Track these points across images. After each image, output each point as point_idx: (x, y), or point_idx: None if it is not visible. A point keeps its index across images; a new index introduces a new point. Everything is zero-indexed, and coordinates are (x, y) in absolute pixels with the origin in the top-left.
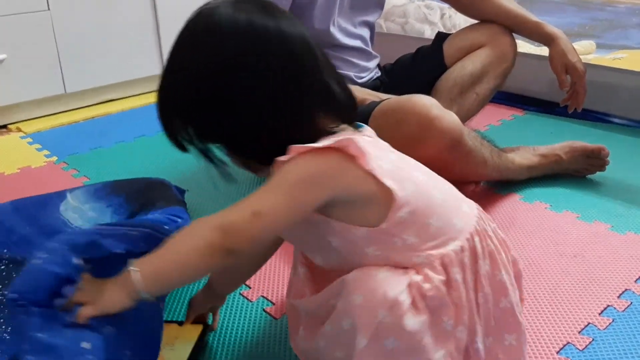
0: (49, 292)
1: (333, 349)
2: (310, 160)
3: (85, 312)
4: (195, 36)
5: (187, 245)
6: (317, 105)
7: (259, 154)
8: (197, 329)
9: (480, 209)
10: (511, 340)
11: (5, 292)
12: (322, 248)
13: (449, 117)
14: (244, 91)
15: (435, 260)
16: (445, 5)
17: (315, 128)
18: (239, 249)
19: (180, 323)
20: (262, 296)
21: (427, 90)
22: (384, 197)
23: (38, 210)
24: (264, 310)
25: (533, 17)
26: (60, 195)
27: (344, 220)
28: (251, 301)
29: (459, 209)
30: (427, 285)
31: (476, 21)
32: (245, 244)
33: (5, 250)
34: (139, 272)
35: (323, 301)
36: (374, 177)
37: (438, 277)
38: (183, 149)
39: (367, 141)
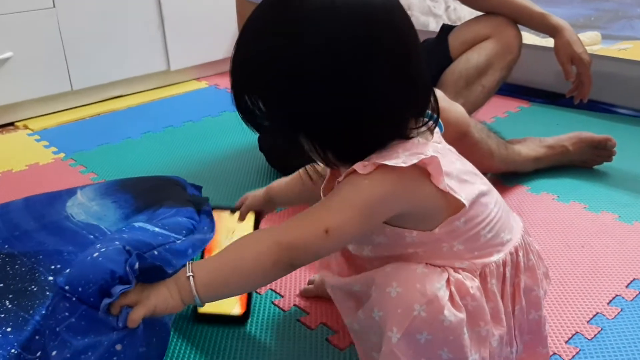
0: (99, 288)
1: (368, 334)
2: (387, 178)
3: (137, 315)
4: (310, 12)
5: (249, 257)
6: (413, 101)
7: (351, 148)
8: (250, 218)
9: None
10: (526, 339)
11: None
12: (362, 241)
13: (455, 109)
14: (366, 75)
15: (477, 269)
16: None
17: (405, 127)
18: (303, 264)
19: (233, 210)
20: (296, 305)
21: (433, 83)
22: (449, 208)
23: (46, 207)
24: (298, 320)
25: (538, 8)
26: (70, 192)
27: (398, 224)
28: (284, 310)
29: (509, 223)
30: (469, 283)
31: (481, 13)
32: (311, 259)
33: (6, 246)
34: (196, 278)
35: (356, 286)
36: (445, 194)
37: (476, 284)
38: (258, 129)
39: (439, 151)
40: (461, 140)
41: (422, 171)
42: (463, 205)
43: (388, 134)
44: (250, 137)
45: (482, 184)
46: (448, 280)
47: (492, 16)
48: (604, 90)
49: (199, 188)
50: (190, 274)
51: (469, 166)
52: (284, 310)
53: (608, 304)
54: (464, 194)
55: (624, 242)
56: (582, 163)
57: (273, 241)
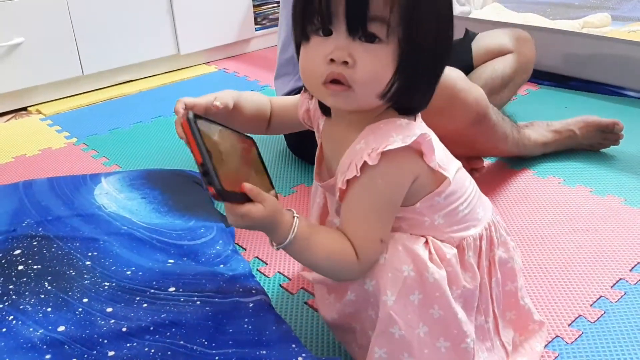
0: None
1: (362, 311)
2: (392, 166)
3: (256, 214)
4: None
5: (333, 245)
6: None
7: (419, 88)
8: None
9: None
10: (511, 316)
11: (35, 267)
12: None
13: (476, 91)
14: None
15: (455, 242)
16: None
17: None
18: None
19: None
20: (279, 272)
21: None
22: (434, 184)
23: (72, 192)
24: (280, 285)
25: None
26: (95, 179)
27: None
28: (268, 277)
29: (481, 200)
30: (446, 249)
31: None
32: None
33: (40, 229)
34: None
35: None
36: (433, 171)
37: (452, 252)
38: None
39: (425, 130)
40: (480, 122)
41: (416, 150)
42: (444, 180)
43: (429, 98)
44: None
45: (456, 163)
46: (426, 243)
47: (518, 31)
48: (612, 73)
49: None
50: (297, 215)
51: (444, 146)
52: (268, 277)
53: (611, 287)
54: (448, 171)
55: (629, 225)
56: (589, 146)
57: (357, 266)
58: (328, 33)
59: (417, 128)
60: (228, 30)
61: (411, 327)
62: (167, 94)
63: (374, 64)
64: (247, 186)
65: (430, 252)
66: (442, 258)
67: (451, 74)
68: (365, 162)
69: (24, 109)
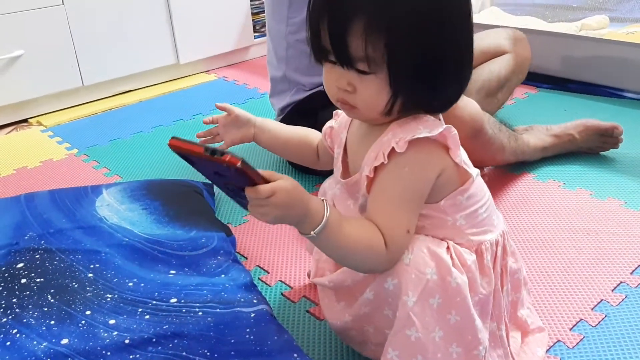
0: None
1: (379, 310)
2: (420, 154)
3: (273, 210)
4: None
5: (364, 233)
6: None
7: (429, 94)
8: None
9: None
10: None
11: (38, 280)
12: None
13: (471, 106)
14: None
15: (474, 246)
16: None
17: (460, 92)
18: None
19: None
20: (281, 280)
21: None
22: (458, 181)
23: (74, 204)
24: (282, 294)
25: None
26: (96, 191)
27: None
28: (270, 286)
29: (495, 208)
30: (466, 255)
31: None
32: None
33: (42, 242)
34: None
35: (349, 279)
36: (457, 167)
37: (472, 257)
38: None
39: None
40: (476, 137)
41: (441, 145)
42: (468, 178)
43: (458, 92)
44: None
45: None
46: (448, 248)
47: (513, 31)
48: (611, 75)
49: (210, 187)
50: (328, 207)
51: None
52: (269, 285)
53: (612, 290)
54: (471, 169)
55: (629, 228)
56: (589, 150)
57: (385, 256)
58: (334, 62)
59: (442, 124)
60: (227, 38)
61: (427, 330)
62: (167, 103)
63: (370, 92)
64: (260, 171)
65: (452, 257)
66: (463, 264)
67: None
68: (392, 149)
69: (25, 120)
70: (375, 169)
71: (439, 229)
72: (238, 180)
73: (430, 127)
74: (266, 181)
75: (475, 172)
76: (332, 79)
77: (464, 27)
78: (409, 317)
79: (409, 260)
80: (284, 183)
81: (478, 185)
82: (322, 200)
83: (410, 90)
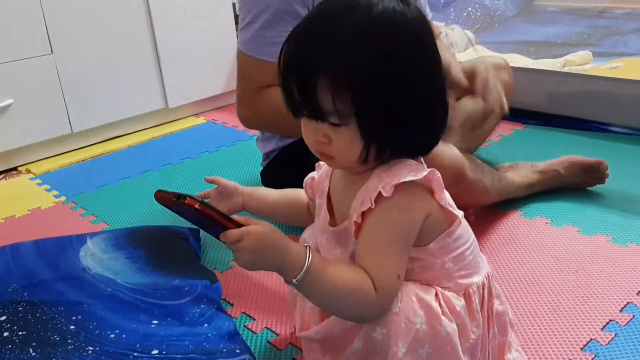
0: None
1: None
2: (406, 198)
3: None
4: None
5: (351, 277)
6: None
7: (403, 142)
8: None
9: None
10: None
11: (20, 333)
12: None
13: (450, 152)
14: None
15: (462, 289)
16: (442, 24)
17: (436, 139)
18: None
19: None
20: (267, 327)
21: None
22: (444, 223)
23: (58, 254)
24: (268, 341)
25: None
26: (80, 240)
27: None
28: (256, 333)
29: (479, 250)
30: (455, 301)
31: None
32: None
33: (25, 294)
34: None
35: (337, 328)
36: (443, 209)
37: (461, 303)
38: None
39: None
40: (458, 182)
41: (426, 188)
42: (454, 220)
43: (434, 134)
44: (249, 171)
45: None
46: (436, 295)
47: (495, 59)
48: (596, 109)
49: (197, 232)
50: (310, 252)
51: None
52: (255, 333)
53: (602, 329)
54: (456, 210)
55: (618, 264)
56: (575, 185)
57: (375, 301)
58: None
59: (425, 168)
60: (215, 81)
61: None
62: (156, 148)
63: (344, 143)
64: (237, 217)
65: (440, 305)
66: (452, 310)
67: None
68: (379, 193)
69: (15, 168)
70: (363, 214)
71: (428, 272)
72: (209, 224)
73: (414, 170)
74: (240, 225)
75: (460, 213)
76: (309, 132)
77: (428, 70)
78: None
79: (398, 308)
80: (255, 228)
81: (464, 227)
82: (305, 246)
83: (382, 139)
